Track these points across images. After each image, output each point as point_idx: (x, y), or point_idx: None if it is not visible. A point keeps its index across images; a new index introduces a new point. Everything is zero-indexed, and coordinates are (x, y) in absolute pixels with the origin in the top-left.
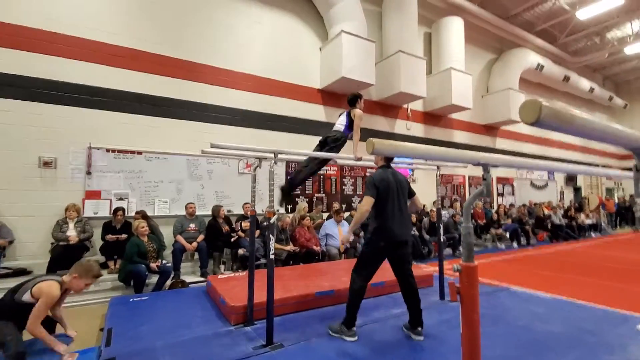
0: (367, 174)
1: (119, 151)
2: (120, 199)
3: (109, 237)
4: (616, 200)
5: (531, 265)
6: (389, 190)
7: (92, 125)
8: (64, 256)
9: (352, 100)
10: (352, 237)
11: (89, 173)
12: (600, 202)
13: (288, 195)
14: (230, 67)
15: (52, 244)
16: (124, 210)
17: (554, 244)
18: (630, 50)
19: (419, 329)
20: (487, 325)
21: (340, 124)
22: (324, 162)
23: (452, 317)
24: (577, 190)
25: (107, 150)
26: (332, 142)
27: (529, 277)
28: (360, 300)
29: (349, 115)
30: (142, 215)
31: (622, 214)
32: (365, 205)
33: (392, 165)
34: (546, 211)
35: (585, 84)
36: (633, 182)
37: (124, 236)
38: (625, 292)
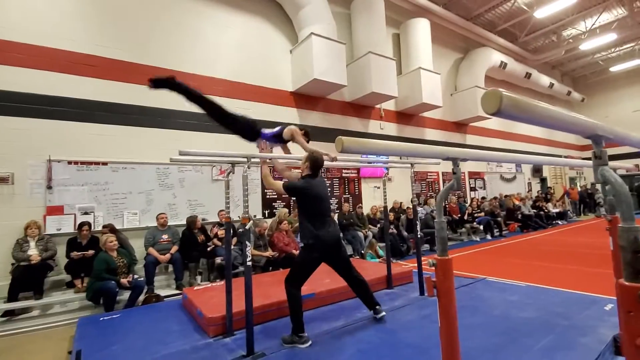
0: (343, 175)
1: (82, 163)
2: (86, 213)
3: (74, 254)
4: (579, 189)
5: (505, 256)
6: (318, 197)
7: (51, 136)
8: (26, 277)
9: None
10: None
11: (49, 187)
12: (564, 191)
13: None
14: (199, 72)
15: (12, 264)
16: (89, 224)
17: (525, 234)
18: (584, 46)
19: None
20: (465, 317)
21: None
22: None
23: (432, 311)
24: (543, 180)
25: (69, 162)
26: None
27: (504, 267)
28: (299, 306)
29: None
30: (110, 229)
31: (586, 202)
32: (279, 187)
33: (367, 165)
34: (516, 202)
35: (545, 80)
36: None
37: (90, 252)
38: (592, 276)
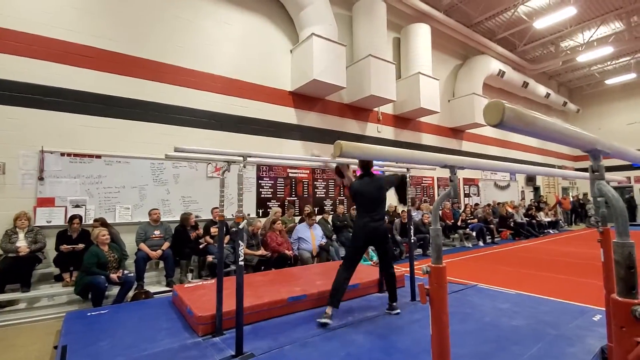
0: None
1: (75, 155)
2: (77, 206)
3: (64, 247)
4: (571, 199)
5: (496, 263)
6: (359, 195)
7: (45, 127)
8: (13, 269)
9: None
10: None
11: (41, 179)
12: (557, 200)
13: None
14: (198, 68)
15: (0, 255)
16: (80, 218)
17: (517, 242)
18: (582, 58)
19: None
20: (456, 323)
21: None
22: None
23: (423, 316)
24: (536, 189)
25: (62, 154)
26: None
27: (495, 274)
28: (342, 286)
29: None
30: (101, 222)
31: (577, 212)
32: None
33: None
34: (509, 210)
35: (541, 89)
36: (589, 182)
37: (81, 246)
38: (582, 286)
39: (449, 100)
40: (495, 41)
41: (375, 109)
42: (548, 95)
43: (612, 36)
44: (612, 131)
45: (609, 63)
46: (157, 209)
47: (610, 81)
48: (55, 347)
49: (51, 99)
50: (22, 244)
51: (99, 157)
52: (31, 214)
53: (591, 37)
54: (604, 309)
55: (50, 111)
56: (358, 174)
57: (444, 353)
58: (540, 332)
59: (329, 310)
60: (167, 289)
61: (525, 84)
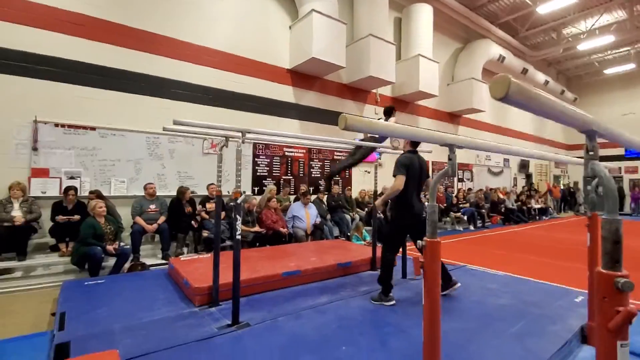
0: (335, 157)
1: (70, 126)
2: (72, 177)
3: (60, 218)
4: (562, 187)
5: (486, 246)
6: (416, 172)
7: (38, 97)
8: (9, 238)
9: (388, 112)
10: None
11: (35, 149)
12: (548, 188)
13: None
14: (194, 41)
15: None
16: (76, 189)
17: (507, 227)
18: (582, 46)
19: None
20: (445, 301)
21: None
22: (368, 153)
23: (413, 294)
24: (528, 176)
25: (56, 125)
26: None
27: (484, 257)
28: (391, 270)
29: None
30: (96, 195)
31: (567, 200)
32: (398, 182)
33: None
34: (501, 196)
35: (540, 77)
36: (583, 164)
37: (76, 217)
38: (566, 269)
39: (447, 84)
40: (498, 25)
41: (374, 91)
42: (547, 82)
43: (614, 25)
44: (608, 121)
45: (608, 52)
46: (152, 183)
47: (609, 71)
48: (53, 314)
49: (44, 68)
50: (17, 213)
51: (93, 129)
52: (25, 184)
53: (593, 24)
54: (586, 291)
55: (44, 80)
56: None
57: (434, 323)
58: (524, 311)
59: (389, 296)
60: (163, 261)
61: (525, 71)
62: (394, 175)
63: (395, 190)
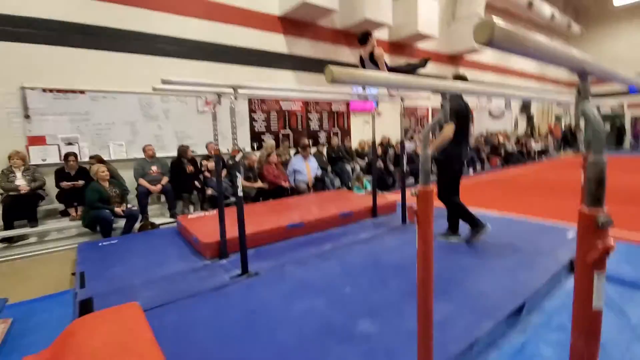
0: (332, 110)
1: (58, 91)
2: (70, 143)
3: (64, 184)
4: (563, 127)
5: (483, 188)
6: (465, 117)
7: (22, 62)
8: (17, 206)
9: (363, 39)
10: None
11: (27, 117)
12: (549, 128)
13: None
14: None
15: (1, 194)
16: (75, 155)
17: (506, 168)
18: None
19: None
20: (442, 242)
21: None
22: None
23: (412, 237)
24: (530, 118)
25: (44, 90)
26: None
27: (481, 199)
28: (467, 209)
29: (372, 61)
30: (97, 159)
31: (567, 139)
32: (449, 129)
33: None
34: (501, 139)
35: (547, 10)
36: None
37: (80, 182)
38: (559, 207)
39: (448, 24)
40: None
41: None
42: (553, 16)
43: None
44: (614, 55)
45: None
46: (150, 145)
47: (617, 1)
48: (73, 274)
49: (25, 31)
50: (21, 182)
51: (82, 92)
52: (24, 153)
53: None
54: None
55: (25, 44)
56: None
57: (428, 266)
58: (517, 247)
59: (477, 235)
60: (171, 220)
61: (530, 4)
62: (445, 122)
63: (447, 139)
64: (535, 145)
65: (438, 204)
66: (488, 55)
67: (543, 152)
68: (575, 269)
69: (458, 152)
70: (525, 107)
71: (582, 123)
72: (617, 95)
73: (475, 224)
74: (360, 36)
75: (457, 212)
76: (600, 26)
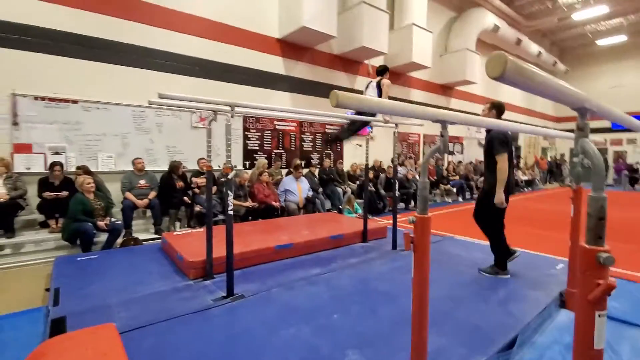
0: (326, 131)
1: (50, 99)
2: (57, 153)
3: (47, 194)
4: (549, 159)
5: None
6: (510, 145)
7: (15, 69)
8: None
9: (382, 71)
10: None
11: (15, 124)
12: (535, 160)
13: (332, 142)
14: (178, 8)
15: None
16: (62, 165)
17: None
18: (577, 16)
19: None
20: (432, 270)
21: (371, 94)
22: (364, 124)
23: (403, 264)
24: (517, 149)
25: (35, 98)
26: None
27: (471, 227)
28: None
29: (378, 86)
30: (84, 170)
31: (552, 172)
32: (505, 163)
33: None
34: None
35: (534, 48)
36: (574, 140)
37: (64, 193)
38: (549, 239)
39: (440, 56)
40: None
41: (366, 62)
42: (540, 53)
43: None
44: (598, 94)
45: (602, 23)
46: (140, 158)
47: (601, 42)
48: (47, 290)
49: (21, 38)
50: (1, 190)
51: (75, 102)
52: (9, 160)
53: None
54: (567, 259)
55: (21, 51)
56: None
57: (423, 293)
58: (508, 279)
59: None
60: (156, 236)
61: (519, 41)
62: (496, 154)
63: (505, 174)
64: (523, 176)
65: (434, 230)
66: (478, 87)
67: (529, 184)
68: (576, 308)
69: (508, 183)
70: (514, 139)
71: (567, 157)
72: (600, 132)
73: (503, 265)
74: (381, 68)
75: (496, 243)
76: (585, 65)
